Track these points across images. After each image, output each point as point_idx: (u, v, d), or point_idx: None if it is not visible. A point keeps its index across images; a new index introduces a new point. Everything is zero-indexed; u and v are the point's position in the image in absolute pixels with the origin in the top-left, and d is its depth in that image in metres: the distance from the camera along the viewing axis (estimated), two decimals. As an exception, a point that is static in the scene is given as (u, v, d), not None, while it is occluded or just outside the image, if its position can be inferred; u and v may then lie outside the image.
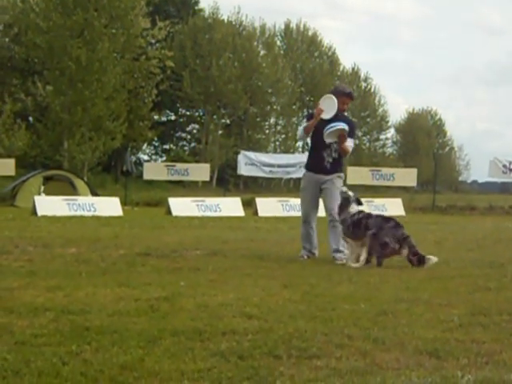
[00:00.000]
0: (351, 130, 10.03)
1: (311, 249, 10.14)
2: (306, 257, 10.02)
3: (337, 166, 10.13)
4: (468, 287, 7.33)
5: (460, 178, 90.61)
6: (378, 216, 9.53)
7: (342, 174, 10.29)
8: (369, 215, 9.43)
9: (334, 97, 9.88)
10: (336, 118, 9.88)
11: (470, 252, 11.77)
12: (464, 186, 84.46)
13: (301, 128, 10.42)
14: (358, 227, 9.27)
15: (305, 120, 10.50)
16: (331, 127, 9.67)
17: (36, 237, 12.71)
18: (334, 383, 3.82)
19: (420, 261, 9.04)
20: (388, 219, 9.40)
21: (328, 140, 9.79)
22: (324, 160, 10.00)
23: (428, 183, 59.00)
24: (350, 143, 9.99)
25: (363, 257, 9.21)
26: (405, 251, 9.08)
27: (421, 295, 6.66)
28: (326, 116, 9.77)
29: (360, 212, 9.45)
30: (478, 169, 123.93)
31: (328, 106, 9.84)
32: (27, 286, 6.76)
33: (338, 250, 9.84)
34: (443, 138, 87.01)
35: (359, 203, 9.60)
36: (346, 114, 10.57)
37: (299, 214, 10.63)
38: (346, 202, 9.55)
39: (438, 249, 12.27)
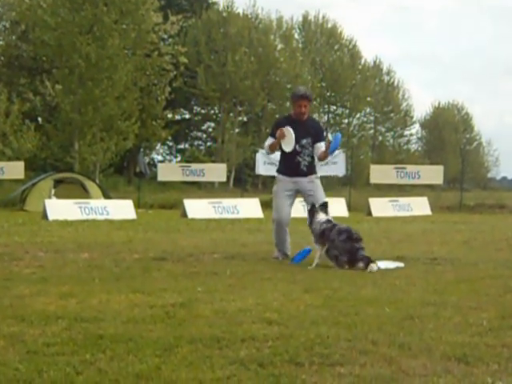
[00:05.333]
0: (321, 133, 10.69)
1: (285, 251, 10.46)
2: (280, 258, 10.35)
3: (312, 169, 10.56)
4: (498, 289, 7.31)
5: (489, 175, 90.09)
6: (337, 228, 9.59)
7: (318, 175, 10.68)
8: (332, 227, 9.59)
9: (291, 130, 10.18)
10: (304, 122, 10.37)
11: (499, 252, 11.73)
12: (493, 183, 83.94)
13: (266, 145, 10.65)
14: (322, 237, 9.57)
15: (269, 138, 10.61)
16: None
17: (47, 242, 12.78)
18: (359, 391, 3.83)
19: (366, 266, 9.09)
20: (342, 231, 9.49)
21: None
22: (300, 164, 10.40)
23: (455, 181, 58.84)
24: (322, 147, 10.40)
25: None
26: (360, 264, 9.11)
27: (449, 298, 6.65)
28: (287, 149, 10.27)
29: (327, 221, 9.70)
30: (507, 165, 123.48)
31: (288, 139, 10.21)
32: (39, 293, 6.81)
33: None
34: (471, 133, 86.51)
35: (325, 212, 9.87)
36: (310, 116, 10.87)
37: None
38: (312, 211, 9.89)
39: (466, 249, 12.25)
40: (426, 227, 18.93)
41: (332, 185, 39.42)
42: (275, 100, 58.32)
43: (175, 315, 5.75)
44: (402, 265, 9.44)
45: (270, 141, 10.50)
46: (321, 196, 10.36)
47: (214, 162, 48.62)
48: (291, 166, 10.35)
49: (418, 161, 61.79)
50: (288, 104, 59.22)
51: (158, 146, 56.84)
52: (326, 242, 9.50)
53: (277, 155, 33.28)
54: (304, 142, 10.32)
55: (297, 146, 10.28)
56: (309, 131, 10.36)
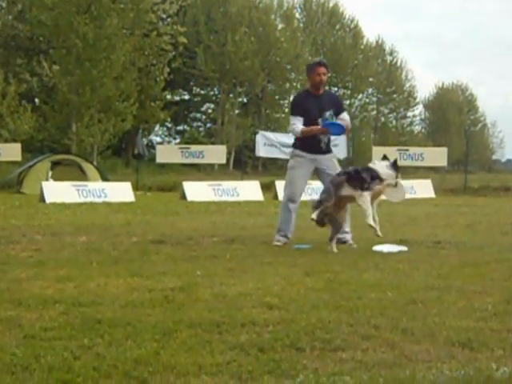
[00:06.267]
0: (341, 104, 10.68)
1: (287, 233, 10.22)
2: (282, 243, 10.04)
3: (329, 147, 10.48)
4: (503, 273, 7.30)
5: (493, 157, 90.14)
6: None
7: (334, 154, 10.67)
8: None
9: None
10: (321, 96, 10.26)
11: (504, 235, 11.71)
12: (498, 166, 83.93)
13: (297, 130, 10.15)
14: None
15: (294, 118, 10.21)
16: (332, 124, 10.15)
17: (44, 225, 12.78)
18: (361, 377, 3.82)
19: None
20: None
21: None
22: (320, 142, 10.25)
23: (459, 163, 58.76)
24: (346, 117, 10.43)
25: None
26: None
27: (453, 282, 6.64)
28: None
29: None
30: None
31: None
32: (36, 276, 6.81)
33: (345, 232, 10.07)
34: (475, 115, 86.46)
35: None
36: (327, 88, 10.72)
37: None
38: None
39: (470, 232, 12.24)
40: (430, 210, 18.93)
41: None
42: (275, 81, 58.20)
43: (174, 299, 5.74)
44: (405, 248, 9.43)
45: (299, 123, 10.12)
46: None
47: (213, 143, 48.60)
48: (312, 142, 10.14)
49: (421, 142, 61.69)
50: (288, 85, 59.23)
51: (157, 127, 56.87)
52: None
53: (277, 137, 33.03)
54: (327, 115, 10.14)
55: (320, 121, 10.09)
56: (329, 105, 10.20)
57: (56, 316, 5.13)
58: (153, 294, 5.98)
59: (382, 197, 9.90)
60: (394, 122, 74.61)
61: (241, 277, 6.88)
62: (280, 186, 24.73)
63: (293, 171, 10.36)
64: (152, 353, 4.20)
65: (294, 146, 10.50)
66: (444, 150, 31.56)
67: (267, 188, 26.34)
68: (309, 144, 10.18)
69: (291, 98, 61.79)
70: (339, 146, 29.28)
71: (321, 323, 4.93)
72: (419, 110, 79.76)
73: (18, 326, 4.82)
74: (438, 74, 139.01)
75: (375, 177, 9.37)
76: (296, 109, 10.33)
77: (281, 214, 10.40)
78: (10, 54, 44.95)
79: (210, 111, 60.55)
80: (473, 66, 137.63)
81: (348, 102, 68.29)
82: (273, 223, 13.17)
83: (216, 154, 33.60)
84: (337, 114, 10.26)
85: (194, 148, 33.79)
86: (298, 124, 10.16)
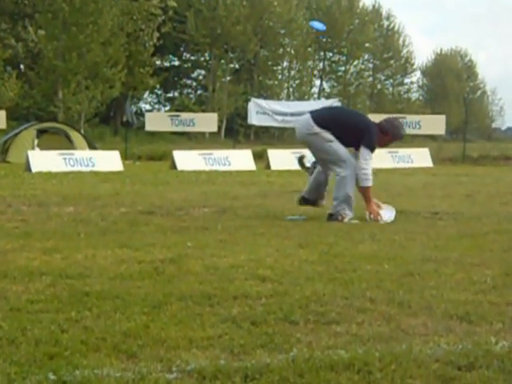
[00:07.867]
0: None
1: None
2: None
3: None
4: (502, 244, 7.31)
5: (493, 125, 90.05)
6: None
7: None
8: None
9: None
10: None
11: (504, 206, 11.73)
12: (498, 134, 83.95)
13: (369, 179, 9.90)
14: None
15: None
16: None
17: (30, 195, 12.75)
18: (356, 350, 3.83)
19: None
20: None
21: None
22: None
23: (458, 131, 58.80)
24: (362, 152, 9.84)
25: None
26: None
27: (450, 254, 6.65)
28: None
29: None
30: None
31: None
32: (22, 248, 6.80)
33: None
34: (474, 81, 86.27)
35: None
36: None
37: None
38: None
39: (469, 203, 12.26)
40: (427, 180, 18.93)
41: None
42: (268, 46, 58.00)
43: (164, 271, 5.74)
44: (393, 213, 9.53)
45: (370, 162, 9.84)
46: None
47: (204, 111, 48.48)
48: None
49: (418, 110, 61.64)
50: (281, 51, 59.03)
51: (146, 94, 56.75)
52: None
53: (270, 104, 32.79)
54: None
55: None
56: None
57: (43, 288, 5.13)
58: (142, 265, 5.97)
59: None
60: (390, 88, 74.52)
61: (233, 248, 6.88)
62: (272, 155, 24.77)
63: (336, 143, 9.74)
64: (141, 326, 4.20)
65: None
66: (442, 118, 31.56)
67: (259, 157, 26.31)
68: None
69: (284, 65, 61.53)
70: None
71: (315, 296, 4.93)
72: (417, 76, 79.73)
73: (3, 299, 4.82)
74: (437, 40, 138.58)
75: None
76: (375, 145, 9.91)
77: (352, 186, 9.83)
78: (-6, 18, 44.65)
79: (200, 78, 60.39)
80: (472, 32, 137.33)
81: (343, 68, 68.19)
82: (265, 193, 13.18)
83: (207, 122, 33.54)
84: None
85: (185, 116, 33.73)
86: (370, 166, 9.86)
